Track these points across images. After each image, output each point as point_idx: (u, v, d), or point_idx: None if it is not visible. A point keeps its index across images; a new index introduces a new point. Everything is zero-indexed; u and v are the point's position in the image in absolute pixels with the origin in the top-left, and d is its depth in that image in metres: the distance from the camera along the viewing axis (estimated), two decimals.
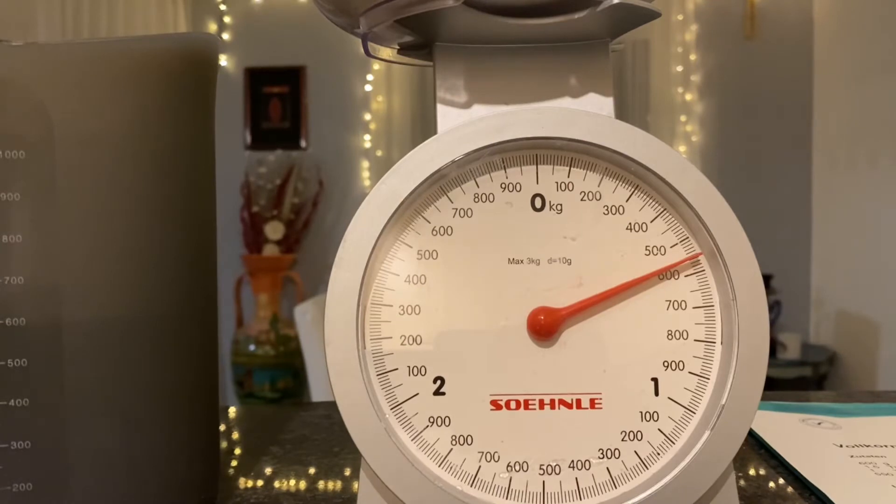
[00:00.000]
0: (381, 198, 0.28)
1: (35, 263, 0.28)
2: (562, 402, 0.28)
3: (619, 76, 2.88)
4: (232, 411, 0.55)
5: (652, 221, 0.29)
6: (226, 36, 3.03)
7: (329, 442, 0.45)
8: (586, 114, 0.29)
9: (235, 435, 0.50)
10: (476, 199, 0.29)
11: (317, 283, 2.98)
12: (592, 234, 0.29)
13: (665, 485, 0.27)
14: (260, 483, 0.39)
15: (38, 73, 0.28)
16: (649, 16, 0.28)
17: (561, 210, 0.29)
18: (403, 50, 0.32)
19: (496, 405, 0.28)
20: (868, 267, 2.55)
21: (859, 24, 2.69)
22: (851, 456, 0.40)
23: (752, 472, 0.40)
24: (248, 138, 3.07)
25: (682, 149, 2.90)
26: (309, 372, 2.03)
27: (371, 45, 0.31)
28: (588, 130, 0.28)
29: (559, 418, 0.28)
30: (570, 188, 0.29)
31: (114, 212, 0.29)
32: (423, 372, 0.28)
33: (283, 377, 2.78)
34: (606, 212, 0.29)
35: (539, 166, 0.29)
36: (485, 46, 0.30)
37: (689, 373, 0.28)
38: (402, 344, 0.28)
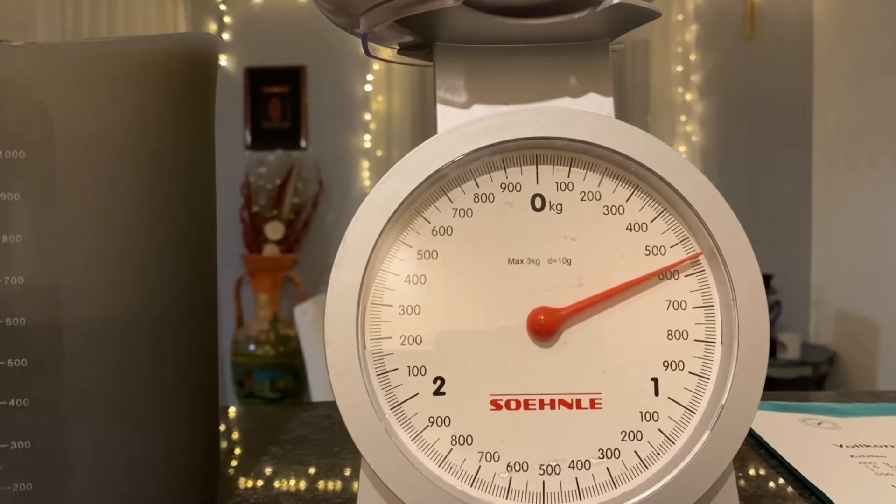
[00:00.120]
0: (381, 198, 0.28)
1: (35, 263, 0.28)
2: (562, 402, 0.28)
3: (619, 76, 2.88)
4: (232, 411, 0.55)
5: (652, 221, 0.29)
6: (226, 36, 3.03)
7: (329, 442, 0.45)
8: (586, 114, 0.29)
9: (235, 435, 0.50)
10: (476, 199, 0.29)
11: (317, 283, 2.98)
12: (592, 234, 0.29)
13: (665, 485, 0.27)
14: (260, 483, 0.39)
15: (38, 73, 0.28)
16: (649, 16, 0.28)
17: (561, 210, 0.29)
18: (403, 50, 0.32)
19: (496, 405, 0.28)
20: (868, 267, 2.55)
21: (859, 24, 2.69)
22: (851, 456, 0.40)
23: (752, 472, 0.40)
24: (248, 138, 3.07)
25: (682, 149, 2.90)
26: (309, 372, 2.03)
27: (371, 45, 0.31)
28: (588, 130, 0.28)
29: (559, 418, 0.28)
30: (570, 188, 0.29)
31: (114, 212, 0.29)
32: (423, 372, 0.28)
33: (283, 377, 2.78)
34: (606, 212, 0.29)
35: (539, 166, 0.29)
36: (485, 46, 0.30)
37: (689, 373, 0.28)
38: (402, 344, 0.28)
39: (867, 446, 0.41)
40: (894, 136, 2.40)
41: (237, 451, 0.45)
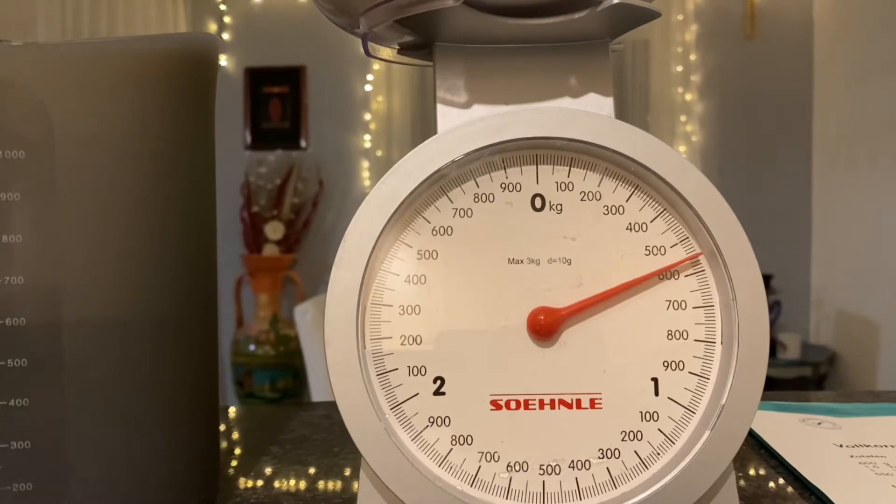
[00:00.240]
0: (381, 198, 0.28)
1: (35, 263, 0.28)
2: (562, 402, 0.28)
3: (619, 76, 2.88)
4: (232, 411, 0.55)
5: (652, 221, 0.29)
6: (226, 36, 3.03)
7: (329, 442, 0.45)
8: (586, 114, 0.29)
9: (235, 435, 0.50)
10: (476, 199, 0.29)
11: (317, 283, 2.98)
12: (592, 234, 0.29)
13: (665, 485, 0.27)
14: (260, 483, 0.39)
15: (38, 73, 0.28)
16: (649, 16, 0.28)
17: (561, 210, 0.29)
18: (403, 50, 0.32)
19: (496, 405, 0.28)
20: (868, 267, 2.55)
21: (859, 24, 2.69)
22: (851, 456, 0.40)
23: (752, 472, 0.40)
24: (248, 138, 3.07)
25: (682, 149, 2.90)
26: (309, 372, 2.03)
27: (371, 45, 0.31)
28: (588, 130, 0.28)
29: (559, 418, 0.28)
30: (570, 188, 0.29)
31: (114, 212, 0.29)
32: (423, 372, 0.28)
33: (283, 377, 2.78)
34: (606, 212, 0.29)
35: (539, 166, 0.29)
36: (485, 46, 0.30)
37: (689, 373, 0.28)
38: (402, 344, 0.28)
39: (867, 446, 0.41)
40: (894, 136, 2.40)
41: (237, 451, 0.45)
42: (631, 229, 0.29)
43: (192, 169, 0.32)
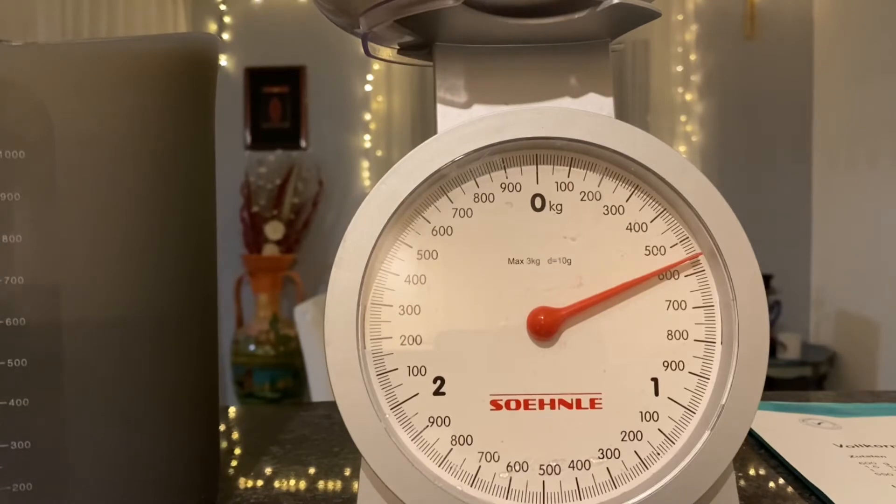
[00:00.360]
0: (381, 198, 0.28)
1: (35, 263, 0.28)
2: (562, 402, 0.28)
3: (619, 76, 2.88)
4: (232, 411, 0.55)
5: (652, 221, 0.29)
6: (226, 36, 3.03)
7: (329, 442, 0.45)
8: (586, 114, 0.29)
9: (235, 435, 0.50)
10: (476, 199, 0.29)
11: (317, 283, 2.98)
12: (592, 234, 0.29)
13: (665, 485, 0.27)
14: (260, 483, 0.39)
15: (38, 73, 0.28)
16: (649, 16, 0.28)
17: (561, 210, 0.29)
18: (403, 50, 0.32)
19: (496, 405, 0.28)
20: (868, 267, 2.55)
21: (859, 24, 2.69)
22: (851, 456, 0.40)
23: (752, 472, 0.40)
24: (248, 138, 3.07)
25: (682, 149, 2.90)
26: (309, 372, 2.03)
27: (371, 45, 0.31)
28: (588, 130, 0.28)
29: (559, 418, 0.28)
30: (570, 188, 0.29)
31: (114, 212, 0.29)
32: (423, 372, 0.28)
33: (283, 377, 2.78)
34: (606, 212, 0.29)
35: (539, 166, 0.29)
36: (485, 46, 0.30)
37: (689, 373, 0.28)
38: (402, 344, 0.28)
39: (867, 446, 0.41)
40: (894, 136, 2.40)
41: (237, 451, 0.45)
42: (631, 229, 0.29)
43: (192, 169, 0.32)
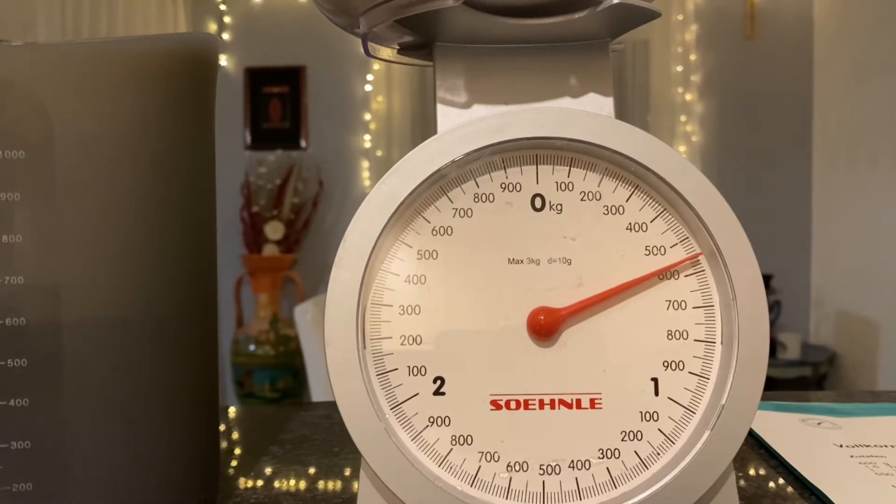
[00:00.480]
0: (381, 198, 0.28)
1: (35, 263, 0.28)
2: (562, 402, 0.28)
3: (619, 76, 2.88)
4: (232, 411, 0.55)
5: (652, 221, 0.29)
6: (226, 36, 3.03)
7: (329, 442, 0.45)
8: (586, 114, 0.29)
9: (235, 435, 0.50)
10: (476, 199, 0.29)
11: (317, 283, 2.98)
12: (592, 234, 0.29)
13: (665, 485, 0.27)
14: (260, 483, 0.39)
15: (38, 73, 0.28)
16: (649, 16, 0.28)
17: (561, 210, 0.29)
18: (403, 50, 0.32)
19: (496, 405, 0.28)
20: (868, 267, 2.55)
21: (859, 24, 2.69)
22: (851, 456, 0.40)
23: (752, 472, 0.40)
24: (248, 138, 3.07)
25: (682, 149, 2.90)
26: (309, 372, 2.03)
27: (371, 45, 0.31)
28: (588, 130, 0.28)
29: (559, 418, 0.28)
30: (570, 188, 0.29)
31: (114, 212, 0.29)
32: (423, 372, 0.28)
33: (283, 377, 2.78)
34: (606, 212, 0.29)
35: (539, 166, 0.29)
36: (485, 46, 0.30)
37: (689, 373, 0.28)
38: (402, 344, 0.28)
39: (867, 446, 0.41)
40: (894, 136, 2.40)
41: (237, 451, 0.45)
42: (631, 229, 0.29)
43: (192, 169, 0.32)
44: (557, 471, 0.28)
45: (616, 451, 0.28)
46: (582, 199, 0.29)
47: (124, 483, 0.29)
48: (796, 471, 0.38)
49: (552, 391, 0.28)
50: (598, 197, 0.29)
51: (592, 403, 0.28)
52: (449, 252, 0.29)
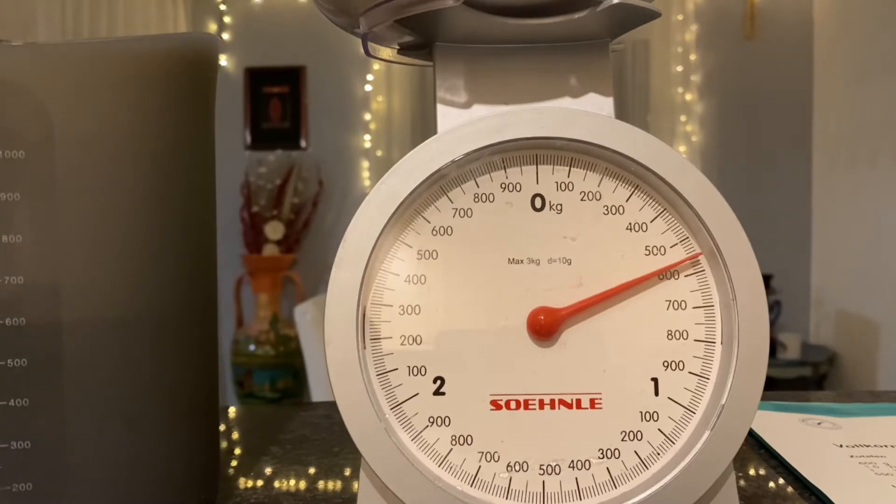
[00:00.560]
0: (381, 198, 0.28)
1: (35, 263, 0.28)
2: (562, 402, 0.28)
3: (619, 76, 2.88)
4: (232, 411, 0.55)
5: (652, 221, 0.29)
6: (226, 36, 3.03)
7: (329, 442, 0.45)
8: (586, 114, 0.29)
9: (235, 435, 0.50)
10: (476, 199, 0.29)
11: (317, 283, 2.98)
12: (592, 234, 0.29)
13: (665, 485, 0.27)
14: (260, 483, 0.39)
15: (38, 73, 0.28)
16: (649, 16, 0.28)
17: (561, 210, 0.29)
18: (403, 50, 0.32)
19: (496, 405, 0.28)
20: (868, 267, 2.55)
21: (859, 24, 2.69)
22: (851, 456, 0.40)
23: (752, 472, 0.40)
24: (248, 138, 3.07)
25: (682, 149, 2.90)
26: (309, 372, 2.03)
27: (371, 45, 0.31)
28: (588, 130, 0.28)
29: (559, 418, 0.28)
30: (570, 188, 0.29)
31: (114, 212, 0.29)
32: (423, 372, 0.28)
33: (283, 377, 2.78)
34: (606, 212, 0.29)
35: (539, 166, 0.29)
36: (485, 46, 0.30)
37: (689, 373, 0.28)
38: (402, 344, 0.28)
39: (867, 446, 0.41)
40: (894, 136, 2.40)
41: (237, 451, 0.45)
42: (631, 229, 0.29)
43: (192, 169, 0.32)
44: (557, 471, 0.28)
45: (616, 451, 0.28)
46: (582, 199, 0.29)
47: (124, 483, 0.29)
48: (796, 471, 0.38)
49: (552, 391, 0.28)
50: (598, 197, 0.29)
51: (592, 403, 0.28)
52: (449, 252, 0.29)
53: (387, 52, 0.33)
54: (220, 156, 0.35)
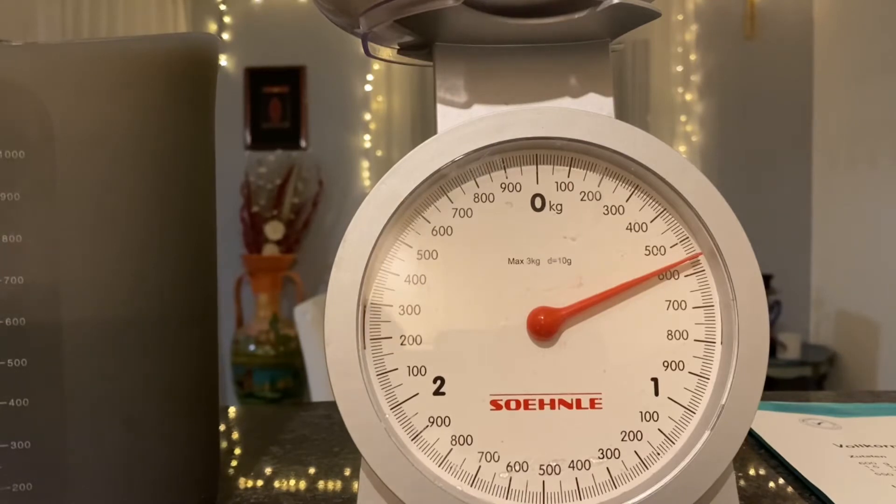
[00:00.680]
0: (381, 198, 0.28)
1: (35, 263, 0.28)
2: (562, 402, 0.28)
3: (619, 76, 2.88)
4: (232, 411, 0.55)
5: (652, 221, 0.29)
6: (226, 36, 3.03)
7: (329, 442, 0.45)
8: (586, 114, 0.29)
9: (235, 435, 0.50)
10: (476, 199, 0.29)
11: (317, 283, 2.98)
12: (592, 234, 0.29)
13: (665, 485, 0.27)
14: (260, 483, 0.39)
15: (38, 73, 0.28)
16: (649, 16, 0.28)
17: (561, 210, 0.29)
18: (403, 50, 0.32)
19: (496, 405, 0.28)
20: (868, 267, 2.55)
21: (859, 24, 2.69)
22: (851, 456, 0.40)
23: (752, 472, 0.40)
24: (248, 138, 3.07)
25: (682, 149, 2.90)
26: (309, 372, 2.03)
27: (371, 45, 0.31)
28: (588, 130, 0.28)
29: (559, 418, 0.28)
30: (570, 188, 0.29)
31: (114, 212, 0.29)
32: (423, 372, 0.28)
33: (283, 377, 2.78)
34: (606, 212, 0.29)
35: (539, 166, 0.29)
36: (485, 46, 0.30)
37: (689, 373, 0.28)
38: (402, 344, 0.28)
39: (867, 446, 0.41)
40: (894, 136, 2.40)
41: (237, 451, 0.45)
42: (631, 229, 0.29)
43: (192, 169, 0.32)
44: (557, 471, 0.28)
45: (616, 451, 0.28)
46: (582, 199, 0.29)
47: (124, 483, 0.29)
48: (796, 471, 0.38)
49: (552, 391, 0.28)
50: (598, 197, 0.29)
51: (592, 403, 0.28)
52: (449, 252, 0.29)
53: (387, 52, 0.33)
54: (220, 156, 0.35)
